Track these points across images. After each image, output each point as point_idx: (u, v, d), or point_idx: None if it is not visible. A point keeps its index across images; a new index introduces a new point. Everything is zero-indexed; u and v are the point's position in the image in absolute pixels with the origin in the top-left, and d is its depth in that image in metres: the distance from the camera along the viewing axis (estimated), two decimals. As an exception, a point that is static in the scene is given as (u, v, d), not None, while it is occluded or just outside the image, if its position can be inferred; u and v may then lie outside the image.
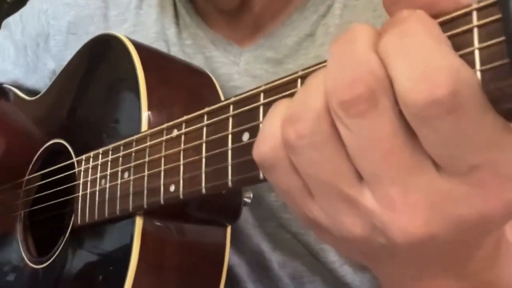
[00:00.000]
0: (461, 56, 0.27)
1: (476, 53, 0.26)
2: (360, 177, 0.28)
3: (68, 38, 0.78)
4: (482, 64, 0.26)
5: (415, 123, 0.26)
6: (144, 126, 0.54)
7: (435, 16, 0.28)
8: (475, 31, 0.26)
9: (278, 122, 0.30)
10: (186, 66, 0.65)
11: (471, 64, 0.26)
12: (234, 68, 0.65)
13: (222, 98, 0.62)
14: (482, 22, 0.26)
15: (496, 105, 0.25)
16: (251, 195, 0.57)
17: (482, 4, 0.26)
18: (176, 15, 0.70)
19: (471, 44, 0.26)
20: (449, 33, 0.27)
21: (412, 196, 0.27)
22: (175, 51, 0.69)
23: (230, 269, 0.65)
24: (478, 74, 0.26)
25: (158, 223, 0.52)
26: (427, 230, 0.27)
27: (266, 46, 0.64)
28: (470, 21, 0.27)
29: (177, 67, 0.63)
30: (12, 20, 0.89)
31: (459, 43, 0.27)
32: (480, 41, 0.26)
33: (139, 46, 0.59)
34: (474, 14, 0.26)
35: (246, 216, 0.64)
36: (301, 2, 0.64)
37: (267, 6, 0.64)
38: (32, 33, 0.83)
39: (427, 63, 0.25)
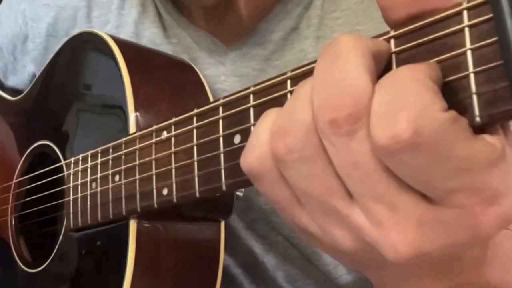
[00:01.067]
0: (453, 57, 0.26)
1: (469, 54, 0.26)
2: (349, 192, 0.28)
3: (48, 40, 0.75)
4: (475, 66, 0.26)
5: (381, 156, 0.26)
6: (132, 125, 0.53)
7: (426, 15, 0.28)
8: (467, 31, 0.26)
9: (267, 133, 0.30)
10: (170, 60, 0.64)
11: (464, 66, 0.26)
12: (221, 68, 0.64)
13: (207, 89, 0.61)
14: (473, 22, 0.26)
15: (490, 108, 0.25)
16: (243, 189, 0.57)
17: (472, 3, 0.26)
18: (159, 14, 0.68)
19: (463, 45, 0.26)
20: (440, 33, 0.27)
21: (400, 214, 0.27)
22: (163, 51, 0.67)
23: (226, 269, 0.66)
24: (472, 76, 0.26)
25: (152, 224, 0.51)
26: (416, 248, 0.27)
27: (251, 43, 0.63)
28: (461, 21, 0.26)
29: (160, 61, 0.62)
30: None
31: (450, 43, 0.27)
32: (472, 42, 0.26)
33: (121, 43, 0.58)
34: (465, 13, 0.26)
35: (237, 219, 0.64)
36: None
37: (251, 1, 0.62)
38: (9, 33, 0.80)
39: (396, 101, 0.25)
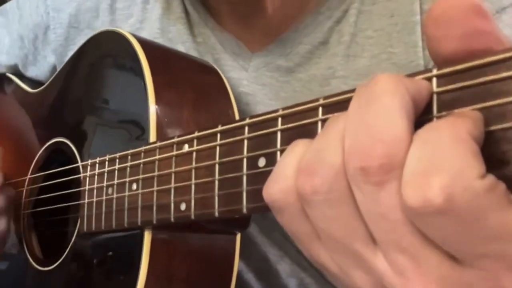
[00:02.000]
0: (500, 105, 0.25)
1: (517, 103, 0.25)
2: (373, 238, 0.27)
3: (69, 31, 0.74)
4: (524, 116, 0.24)
5: (409, 215, 0.25)
6: (152, 131, 0.52)
7: (474, 56, 0.26)
8: (517, 79, 0.25)
9: (294, 167, 0.29)
10: (195, 63, 0.62)
11: (510, 116, 0.25)
12: (243, 73, 0.63)
13: (231, 94, 0.60)
14: (524, 70, 0.24)
15: None
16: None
17: (525, 49, 0.25)
18: (186, 11, 0.67)
19: (510, 93, 0.25)
20: (488, 78, 0.26)
21: (424, 267, 0.26)
22: (186, 49, 0.66)
23: (238, 274, 0.65)
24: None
25: (167, 235, 0.50)
26: None
27: (276, 52, 0.62)
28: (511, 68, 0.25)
29: (184, 65, 0.61)
30: (9, 7, 0.85)
31: (497, 90, 0.25)
32: (522, 91, 0.24)
33: (145, 44, 0.57)
34: (516, 60, 0.25)
35: (253, 225, 0.63)
36: (315, 6, 0.61)
37: (281, 8, 0.61)
38: (30, 23, 0.79)
39: (432, 161, 0.24)
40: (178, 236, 0.51)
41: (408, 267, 0.26)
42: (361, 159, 0.25)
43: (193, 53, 0.65)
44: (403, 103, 0.25)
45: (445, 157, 0.24)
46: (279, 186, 0.29)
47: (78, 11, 0.74)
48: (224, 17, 0.65)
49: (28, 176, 0.70)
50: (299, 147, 0.29)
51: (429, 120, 0.27)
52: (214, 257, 0.54)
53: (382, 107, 0.25)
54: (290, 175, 0.29)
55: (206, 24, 0.66)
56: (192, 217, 0.42)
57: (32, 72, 0.82)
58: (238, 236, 0.56)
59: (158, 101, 0.53)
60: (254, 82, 0.62)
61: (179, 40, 0.66)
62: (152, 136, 0.51)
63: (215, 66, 0.63)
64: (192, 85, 0.58)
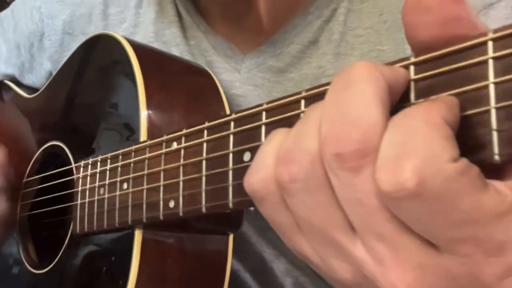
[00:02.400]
0: (475, 90, 0.25)
1: (491, 88, 0.25)
2: (352, 226, 0.27)
3: (64, 38, 0.75)
4: (497, 100, 0.24)
5: (383, 200, 0.25)
6: (143, 132, 0.52)
7: (450, 42, 0.26)
8: (491, 63, 0.25)
9: (272, 156, 0.29)
10: (187, 66, 0.63)
11: (485, 100, 0.25)
12: (236, 75, 0.63)
13: (223, 96, 0.60)
14: (498, 54, 0.25)
15: (511, 146, 0.24)
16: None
17: (498, 34, 0.25)
18: (179, 14, 0.68)
19: (486, 77, 0.25)
20: (463, 63, 0.26)
21: (402, 255, 0.26)
22: (180, 52, 0.66)
23: (235, 273, 0.65)
24: (493, 111, 0.24)
25: (158, 235, 0.50)
26: None
27: (268, 53, 0.62)
28: (486, 52, 0.25)
29: (177, 67, 0.61)
30: (4, 16, 0.85)
31: (473, 75, 0.25)
32: (496, 75, 0.24)
33: (137, 47, 0.58)
34: (490, 44, 0.25)
35: (248, 225, 0.63)
36: (304, 6, 0.61)
37: (272, 9, 0.61)
38: (25, 31, 0.80)
39: (405, 145, 0.24)
40: (169, 237, 0.51)
41: (387, 254, 0.26)
42: (336, 145, 0.25)
43: (186, 56, 0.65)
44: (378, 89, 0.25)
45: (418, 141, 0.24)
46: (259, 176, 0.29)
47: (72, 17, 0.74)
48: (216, 20, 0.65)
49: (24, 180, 0.70)
50: (278, 136, 0.30)
51: (407, 107, 0.27)
52: (207, 258, 0.54)
53: (357, 94, 0.25)
54: (269, 164, 0.29)
55: (198, 27, 0.66)
56: (180, 214, 0.43)
57: (29, 79, 0.82)
58: (231, 237, 0.55)
59: (149, 103, 0.53)
60: (246, 83, 0.63)
61: (173, 43, 0.67)
62: (143, 138, 0.52)
63: (208, 69, 0.63)
64: (184, 88, 0.58)
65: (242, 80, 0.63)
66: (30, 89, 0.82)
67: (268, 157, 0.29)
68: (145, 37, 0.68)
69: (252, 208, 0.56)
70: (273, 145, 0.29)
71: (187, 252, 0.52)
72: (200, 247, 0.53)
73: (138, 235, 0.49)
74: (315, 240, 0.29)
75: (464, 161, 0.24)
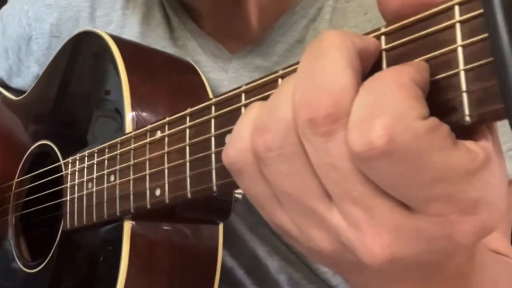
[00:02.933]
0: (444, 54, 0.25)
1: (459, 51, 0.25)
2: (328, 193, 0.27)
3: (51, 41, 0.75)
4: (465, 63, 0.25)
5: (355, 161, 0.25)
6: (128, 125, 0.52)
7: (419, 10, 0.26)
8: (458, 27, 0.25)
9: (249, 127, 0.29)
10: (170, 58, 0.63)
11: (455, 63, 0.25)
12: (223, 75, 0.64)
13: (209, 89, 0.61)
14: (464, 17, 0.25)
15: (480, 106, 0.24)
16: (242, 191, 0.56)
17: (464, -2, 0.25)
18: (166, 15, 0.68)
19: (454, 41, 0.25)
20: (431, 29, 0.26)
21: (377, 218, 0.26)
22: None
23: (229, 271, 0.65)
24: (462, 74, 0.25)
25: (147, 225, 0.51)
26: (391, 252, 0.26)
27: (255, 52, 0.62)
28: (453, 17, 0.25)
29: (161, 61, 0.62)
30: None
31: (441, 40, 0.26)
32: (463, 38, 0.25)
33: (120, 42, 0.58)
34: (456, 9, 0.25)
35: (240, 221, 0.63)
36: (291, 6, 0.61)
37: (260, 9, 0.61)
38: (13, 35, 0.80)
39: (375, 106, 0.24)
40: (159, 227, 0.52)
41: (362, 219, 0.26)
42: (309, 111, 0.25)
43: None
44: (348, 56, 0.26)
45: (387, 101, 0.24)
46: (235, 147, 0.30)
47: (59, 20, 0.74)
48: (204, 20, 0.65)
49: (15, 180, 0.70)
50: (254, 108, 0.30)
51: (379, 76, 0.28)
52: (197, 248, 0.54)
53: (328, 60, 0.26)
54: (246, 135, 0.29)
55: (186, 27, 0.66)
56: (167, 201, 0.43)
57: (17, 83, 0.83)
58: (221, 227, 0.56)
59: (133, 96, 0.53)
60: (234, 83, 0.63)
61: (158, 45, 0.67)
62: (128, 130, 0.52)
63: (193, 63, 0.63)
64: (168, 80, 0.58)
65: (230, 79, 0.63)
66: (18, 92, 0.82)
67: (244, 129, 0.29)
68: (130, 38, 0.68)
69: (240, 196, 0.56)
70: (249, 117, 0.30)
71: (176, 242, 0.52)
72: (189, 237, 0.53)
73: (127, 227, 0.49)
74: (293, 210, 0.29)
75: (433, 119, 0.24)
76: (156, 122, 0.45)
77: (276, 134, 0.27)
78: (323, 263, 0.33)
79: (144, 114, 0.53)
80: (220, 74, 0.64)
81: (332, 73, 0.25)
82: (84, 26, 0.72)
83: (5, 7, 0.84)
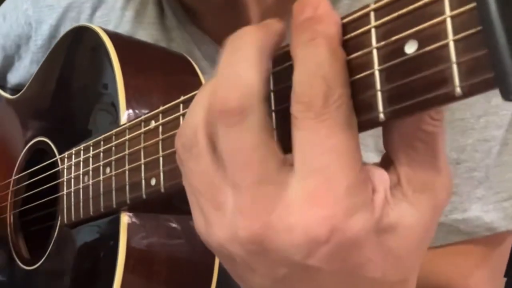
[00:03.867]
0: (433, 25, 0.25)
1: (448, 22, 0.25)
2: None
3: (51, 42, 0.74)
4: (455, 33, 0.24)
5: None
6: (123, 117, 0.52)
7: None
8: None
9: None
10: (164, 52, 0.63)
11: (444, 34, 0.25)
12: None
13: (203, 80, 0.60)
14: (453, -12, 0.25)
15: (471, 77, 0.24)
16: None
17: (451, -32, 0.25)
18: (162, 16, 0.67)
19: (442, 12, 0.25)
20: (420, 3, 0.26)
21: (259, 202, 0.28)
22: None
23: (225, 272, 0.64)
24: (451, 44, 0.24)
25: (144, 217, 0.50)
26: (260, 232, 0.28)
27: None
28: (441, -12, 0.25)
29: (154, 53, 0.61)
30: None
31: (430, 13, 0.26)
32: (451, 9, 0.25)
33: (113, 36, 0.58)
34: (444, -20, 0.25)
35: None
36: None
37: (261, 12, 0.60)
38: (11, 33, 0.80)
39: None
40: (156, 219, 0.51)
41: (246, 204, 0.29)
42: (220, 104, 0.29)
43: None
44: (258, 53, 0.29)
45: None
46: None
47: (59, 21, 0.74)
48: (204, 21, 0.64)
49: (13, 178, 0.70)
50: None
51: (369, 53, 0.28)
52: (195, 240, 0.54)
53: (237, 59, 0.29)
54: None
55: (185, 29, 0.65)
56: (162, 190, 0.42)
57: (15, 81, 0.83)
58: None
59: (127, 87, 0.53)
60: None
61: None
62: (123, 122, 0.52)
63: (186, 55, 0.63)
64: (162, 72, 0.58)
65: None
66: (16, 90, 0.82)
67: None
68: None
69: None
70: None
71: (174, 233, 0.52)
72: (187, 228, 0.53)
73: (123, 219, 0.49)
74: (200, 206, 0.32)
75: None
76: (149, 112, 0.45)
77: (187, 136, 0.31)
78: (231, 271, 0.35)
79: (139, 106, 0.53)
80: None
81: (241, 67, 0.29)
82: None
83: (4, 4, 0.84)
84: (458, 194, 0.56)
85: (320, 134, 0.27)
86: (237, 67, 0.29)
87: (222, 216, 0.30)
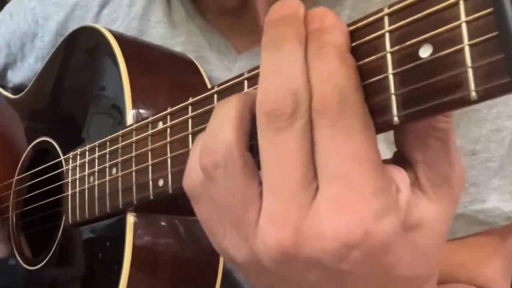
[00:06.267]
0: (449, 30, 0.26)
1: (464, 26, 0.25)
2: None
3: (57, 39, 0.74)
4: (470, 38, 0.25)
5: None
6: (129, 118, 0.52)
7: None
8: (461, 4, 0.25)
9: (197, 156, 0.32)
10: (169, 53, 0.63)
11: (459, 39, 0.25)
12: (227, 73, 0.63)
13: (207, 82, 0.61)
14: (468, -6, 0.25)
15: (486, 81, 0.24)
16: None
17: (467, -25, 0.25)
18: (170, 10, 0.67)
19: (458, 17, 0.25)
20: (435, 8, 0.26)
21: (291, 209, 0.28)
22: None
23: (227, 273, 0.65)
24: (467, 49, 0.25)
25: (150, 218, 0.51)
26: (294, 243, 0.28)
27: None
28: (456, -6, 0.25)
29: (160, 55, 0.62)
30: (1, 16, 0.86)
31: (445, 17, 0.26)
32: (467, 14, 0.25)
33: (119, 37, 0.58)
34: (460, -15, 0.25)
35: None
36: (307, 8, 0.61)
37: (269, 5, 0.61)
38: (17, 30, 0.80)
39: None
40: (161, 219, 0.52)
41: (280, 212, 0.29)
42: (267, 107, 0.29)
43: None
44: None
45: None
46: (193, 176, 0.34)
47: (66, 19, 0.74)
48: (212, 14, 0.65)
49: (15, 178, 0.70)
50: (199, 137, 0.34)
51: (383, 57, 0.28)
52: (200, 240, 0.54)
53: (283, 61, 0.29)
54: (196, 163, 0.32)
55: (194, 21, 0.66)
56: (170, 191, 0.43)
57: (19, 78, 0.83)
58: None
59: (133, 88, 0.53)
60: None
61: (157, 41, 0.66)
62: (129, 123, 0.52)
63: (191, 57, 0.63)
64: (167, 73, 0.58)
65: None
66: (15, 89, 0.82)
67: (195, 157, 0.33)
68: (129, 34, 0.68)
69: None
70: (196, 147, 0.33)
71: (179, 234, 0.52)
72: (192, 229, 0.53)
73: (129, 219, 0.49)
74: (231, 229, 0.32)
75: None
76: (157, 113, 0.45)
77: (220, 154, 0.31)
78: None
79: (144, 107, 0.53)
80: (224, 73, 0.63)
81: (289, 68, 0.29)
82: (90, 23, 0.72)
83: (11, 2, 0.84)
84: (476, 185, 0.57)
85: (338, 140, 0.27)
86: (281, 70, 0.29)
87: (252, 231, 0.30)
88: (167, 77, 0.57)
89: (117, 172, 0.49)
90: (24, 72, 0.81)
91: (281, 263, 0.29)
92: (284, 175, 0.28)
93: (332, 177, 0.28)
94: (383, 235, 0.27)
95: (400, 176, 0.29)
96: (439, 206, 0.30)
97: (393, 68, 0.28)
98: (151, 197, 0.45)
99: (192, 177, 0.34)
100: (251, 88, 0.35)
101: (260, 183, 0.30)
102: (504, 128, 0.56)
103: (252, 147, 0.31)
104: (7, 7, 0.85)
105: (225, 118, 0.31)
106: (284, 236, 0.28)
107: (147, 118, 0.46)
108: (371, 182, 0.27)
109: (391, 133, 0.32)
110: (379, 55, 0.28)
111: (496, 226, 0.57)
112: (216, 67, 0.63)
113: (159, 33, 0.67)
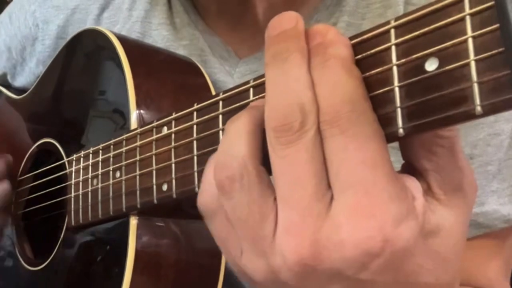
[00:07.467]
0: (455, 45, 0.26)
1: (470, 42, 0.25)
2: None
3: (58, 42, 0.75)
4: (476, 53, 0.25)
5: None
6: (133, 121, 0.53)
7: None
8: (468, 19, 0.25)
9: (212, 173, 0.33)
10: (173, 57, 0.63)
11: (465, 53, 0.25)
12: (228, 78, 0.63)
13: (211, 86, 0.61)
14: (474, 10, 0.25)
15: (492, 96, 0.24)
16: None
17: (474, -10, 0.25)
18: (171, 14, 0.67)
19: (464, 32, 0.26)
20: (442, 22, 0.26)
21: (307, 220, 0.28)
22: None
23: (229, 273, 0.65)
24: (472, 64, 0.25)
25: (153, 221, 0.51)
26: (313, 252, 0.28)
27: (263, 60, 0.62)
28: (463, 9, 0.26)
29: (164, 58, 0.62)
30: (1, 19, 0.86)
31: (451, 32, 0.26)
32: (473, 30, 0.25)
33: (123, 39, 0.58)
34: (466, 1, 0.26)
35: None
36: (305, 18, 0.61)
37: (269, 9, 0.61)
38: (18, 34, 0.80)
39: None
40: (164, 223, 0.52)
41: (294, 222, 0.29)
42: (276, 121, 0.29)
43: None
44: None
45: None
46: (208, 194, 0.34)
47: (66, 22, 0.74)
48: (213, 18, 0.65)
49: (18, 179, 0.70)
50: (211, 159, 0.35)
51: (389, 69, 0.28)
52: (202, 244, 0.55)
53: (288, 76, 0.30)
54: (211, 181, 0.33)
55: (196, 26, 0.66)
56: (174, 196, 0.43)
57: (20, 82, 0.83)
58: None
59: (137, 92, 0.53)
60: None
61: (159, 44, 0.67)
62: (133, 127, 0.52)
63: (195, 61, 0.63)
64: (171, 77, 0.58)
65: (234, 84, 0.63)
66: (19, 91, 0.82)
67: (209, 175, 0.33)
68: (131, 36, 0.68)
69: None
70: (210, 166, 0.34)
71: (182, 238, 0.53)
72: (194, 233, 0.53)
73: (132, 223, 0.50)
74: (248, 246, 0.32)
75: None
76: (162, 118, 0.45)
77: (234, 168, 0.31)
78: None
79: (148, 110, 0.53)
80: (225, 77, 0.63)
81: (294, 83, 0.29)
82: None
83: (11, 5, 0.84)
84: None
85: (350, 148, 0.27)
86: (286, 84, 0.30)
87: (269, 245, 0.30)
88: (171, 80, 0.58)
89: (120, 175, 0.49)
90: (25, 76, 0.81)
91: (300, 277, 0.29)
92: (297, 187, 0.28)
93: (347, 184, 0.28)
94: (403, 241, 0.27)
95: (413, 184, 0.29)
96: (455, 212, 0.30)
97: (399, 81, 0.28)
98: (155, 201, 0.45)
99: (207, 195, 0.34)
100: (258, 99, 0.35)
101: (275, 197, 0.30)
102: (502, 132, 0.57)
103: (264, 161, 0.31)
104: (7, 10, 0.85)
105: (237, 135, 0.32)
106: (302, 248, 0.28)
107: (151, 121, 0.47)
108: (387, 188, 0.27)
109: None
110: (385, 67, 0.29)
111: (495, 229, 0.58)
112: (218, 70, 0.64)
113: (161, 35, 0.67)
